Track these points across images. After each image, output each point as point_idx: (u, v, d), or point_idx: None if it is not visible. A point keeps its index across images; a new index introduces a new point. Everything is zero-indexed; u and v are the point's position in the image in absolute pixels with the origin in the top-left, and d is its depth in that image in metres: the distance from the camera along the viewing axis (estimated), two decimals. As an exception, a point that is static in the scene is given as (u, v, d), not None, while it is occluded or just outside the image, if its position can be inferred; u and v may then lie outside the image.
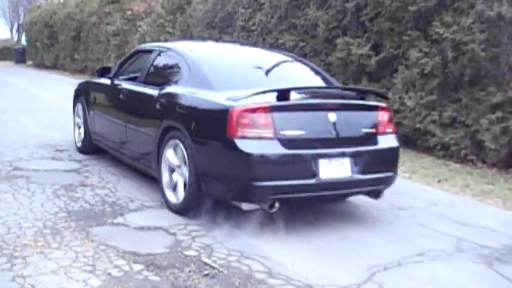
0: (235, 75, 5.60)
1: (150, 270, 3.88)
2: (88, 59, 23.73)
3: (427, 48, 8.66)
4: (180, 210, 5.17)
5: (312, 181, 4.75)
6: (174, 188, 5.31)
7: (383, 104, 5.64)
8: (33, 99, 14.92)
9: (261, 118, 4.68)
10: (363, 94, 5.64)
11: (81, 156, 7.43)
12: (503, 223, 5.47)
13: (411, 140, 9.14)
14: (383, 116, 5.35)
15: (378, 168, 5.17)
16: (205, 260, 4.10)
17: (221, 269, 3.95)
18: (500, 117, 7.65)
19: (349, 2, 10.07)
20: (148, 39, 17.10)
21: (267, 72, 5.83)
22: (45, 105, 12.67)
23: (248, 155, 4.59)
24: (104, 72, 7.43)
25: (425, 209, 5.83)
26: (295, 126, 4.80)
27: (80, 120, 7.94)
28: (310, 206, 5.57)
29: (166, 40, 15.83)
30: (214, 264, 4.02)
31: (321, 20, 10.84)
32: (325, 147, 4.89)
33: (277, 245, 4.49)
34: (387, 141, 5.34)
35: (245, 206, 4.82)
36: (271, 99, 4.81)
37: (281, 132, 4.70)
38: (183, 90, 5.47)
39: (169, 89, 5.68)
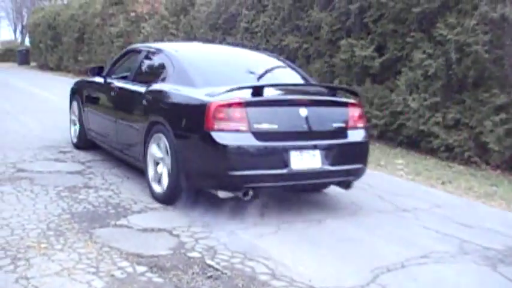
0: (215, 73, 5.93)
1: (154, 272, 3.88)
2: (92, 61, 23.73)
3: (431, 49, 8.66)
4: (164, 199, 5.52)
5: (284, 171, 5.08)
6: (159, 179, 5.63)
7: (353, 101, 5.90)
8: (36, 100, 14.96)
9: (236, 112, 5.02)
10: (334, 91, 6.04)
11: (84, 158, 7.43)
12: (507, 225, 5.47)
13: (415, 141, 9.14)
14: (353, 112, 5.67)
15: (348, 161, 5.49)
16: (208, 261, 4.10)
17: (224, 271, 3.94)
18: (504, 118, 7.65)
19: (353, 4, 10.08)
20: (152, 40, 17.12)
21: (246, 70, 6.18)
22: (49, 106, 12.69)
23: (224, 146, 4.94)
24: (97, 71, 7.89)
25: (429, 210, 5.81)
26: (268, 121, 5.12)
27: (75, 117, 8.30)
28: (314, 207, 5.57)
29: (170, 41, 15.84)
30: (217, 266, 4.02)
31: (324, 21, 10.85)
32: (296, 140, 5.22)
33: (280, 247, 4.48)
34: (357, 135, 5.65)
35: (221, 194, 5.14)
36: (247, 95, 5.14)
37: (255, 126, 5.03)
38: (167, 87, 5.84)
39: (155, 86, 6.04)
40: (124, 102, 6.70)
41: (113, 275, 3.77)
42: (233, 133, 5.00)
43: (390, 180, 7.12)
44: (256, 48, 12.89)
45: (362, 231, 5.00)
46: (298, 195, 6.09)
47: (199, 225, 4.89)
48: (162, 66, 6.32)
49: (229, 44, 12.57)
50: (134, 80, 6.69)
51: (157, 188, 5.63)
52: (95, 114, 7.56)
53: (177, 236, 4.62)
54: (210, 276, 3.84)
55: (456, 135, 8.30)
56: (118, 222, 4.89)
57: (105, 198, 5.60)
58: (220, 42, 14.20)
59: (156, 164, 5.71)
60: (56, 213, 5.04)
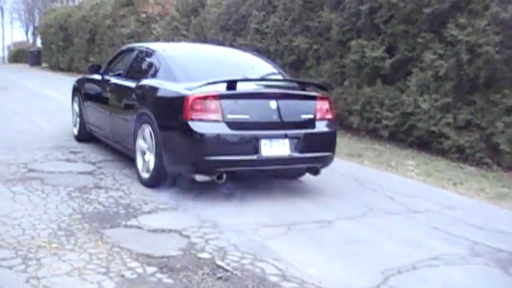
0: (197, 69, 6.44)
1: (164, 272, 3.88)
2: (103, 61, 23.71)
3: (442, 50, 8.63)
4: (150, 182, 6.10)
5: (254, 157, 5.64)
6: (146, 165, 6.18)
7: (321, 95, 6.40)
8: (47, 101, 15.03)
9: (211, 104, 5.59)
10: (303, 85, 6.52)
11: (95, 159, 7.46)
12: (519, 227, 5.43)
13: (426, 142, 9.11)
14: (322, 105, 6.21)
15: (315, 149, 6.03)
16: (218, 262, 4.10)
17: (234, 272, 3.94)
18: (515, 120, 7.60)
19: (363, 4, 10.07)
20: (163, 41, 17.15)
21: (226, 67, 6.80)
22: (60, 107, 12.71)
23: (200, 134, 5.50)
24: (95, 69, 8.58)
25: (440, 212, 5.79)
26: (240, 111, 5.69)
27: (77, 112, 9.01)
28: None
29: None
30: (227, 267, 4.01)
31: (334, 22, 10.83)
32: (266, 130, 5.77)
33: (290, 248, 4.48)
34: (325, 126, 6.19)
35: (198, 178, 5.68)
36: (222, 88, 5.68)
37: (228, 116, 5.60)
38: (153, 82, 6.48)
39: (144, 81, 6.66)
40: (117, 97, 7.30)
41: (123, 276, 3.78)
42: (208, 123, 5.56)
43: (401, 182, 7.10)
44: (266, 49, 12.93)
45: (372, 233, 4.99)
46: (308, 197, 6.08)
47: (209, 226, 4.90)
48: (150, 64, 6.98)
49: (235, 46, 12.57)
50: (126, 77, 7.31)
51: (145, 174, 6.20)
52: (93, 108, 8.25)
53: (187, 236, 4.62)
54: (220, 277, 3.84)
55: (467, 136, 8.26)
56: (128, 223, 4.90)
57: (115, 199, 5.62)
58: (231, 43, 14.23)
59: (144, 152, 6.27)
60: (67, 214, 5.06)
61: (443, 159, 8.59)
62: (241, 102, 5.76)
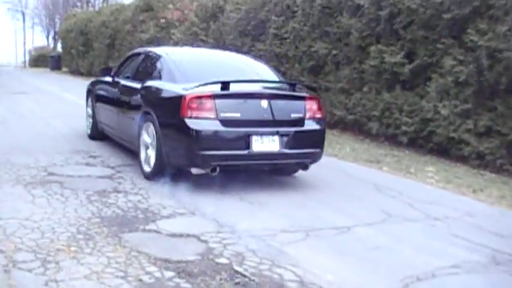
0: (196, 71, 6.88)
1: (182, 277, 3.88)
2: (122, 66, 23.92)
3: (462, 56, 8.56)
4: (151, 176, 6.56)
5: (245, 152, 6.10)
6: (148, 160, 6.66)
7: (310, 95, 6.85)
8: (67, 105, 15.15)
9: (206, 103, 6.06)
10: (294, 86, 6.84)
11: (114, 163, 7.49)
12: (541, 235, 5.36)
13: (445, 149, 9.04)
14: (311, 105, 6.63)
15: (304, 145, 6.45)
16: (236, 268, 4.09)
17: (252, 278, 3.93)
18: (537, 126, 7.52)
19: (383, 10, 10.03)
20: (181, 46, 17.19)
21: (225, 69, 7.26)
22: (79, 111, 12.76)
23: (196, 131, 5.97)
24: (107, 71, 9.25)
25: (460, 219, 5.73)
26: (233, 110, 6.14)
27: (90, 112, 9.60)
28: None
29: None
30: (245, 273, 4.00)
31: (354, 27, 10.81)
32: (257, 127, 6.20)
33: (308, 254, 4.46)
34: (313, 124, 6.61)
35: (194, 171, 6.19)
36: (216, 89, 6.13)
37: (221, 114, 6.06)
38: (155, 83, 7.00)
39: (148, 83, 7.16)
40: (125, 97, 7.81)
41: (141, 280, 3.78)
42: (203, 120, 6.02)
43: (420, 188, 7.05)
44: (284, 54, 12.93)
45: (391, 240, 4.95)
46: (326, 202, 6.06)
47: (227, 231, 4.89)
48: (154, 67, 7.51)
49: (253, 51, 12.58)
50: (134, 78, 7.82)
51: (147, 168, 6.68)
52: (104, 108, 8.81)
53: (206, 241, 4.62)
54: (238, 283, 3.83)
55: (488, 143, 8.18)
56: (147, 227, 4.91)
57: (134, 203, 5.63)
58: (250, 48, 14.25)
59: (146, 147, 6.74)
60: (86, 217, 5.08)
61: (463, 165, 8.51)
62: (234, 101, 6.24)
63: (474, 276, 4.22)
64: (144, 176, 6.68)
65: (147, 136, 6.69)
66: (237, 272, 4.02)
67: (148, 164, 6.64)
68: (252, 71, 7.39)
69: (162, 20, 21.29)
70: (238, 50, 14.03)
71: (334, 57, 11.56)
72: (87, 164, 7.37)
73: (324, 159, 6.96)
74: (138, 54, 8.48)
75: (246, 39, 14.70)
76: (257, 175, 7.10)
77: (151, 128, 6.55)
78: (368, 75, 10.61)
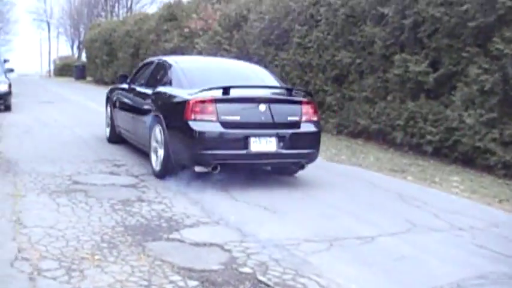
0: (202, 78, 7.44)
1: (205, 286, 3.88)
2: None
3: (487, 64, 8.48)
4: (160, 174, 7.15)
5: (243, 152, 6.64)
6: (158, 160, 7.21)
7: (306, 99, 7.34)
8: (91, 114, 15.27)
9: (208, 107, 6.62)
10: (291, 91, 7.38)
11: (138, 172, 7.54)
12: None
13: (470, 158, 8.94)
14: (307, 109, 7.14)
15: (300, 146, 6.97)
16: (260, 277, 4.07)
17: (276, 287, 3.91)
18: None
19: (407, 19, 9.98)
20: (205, 55, 17.27)
21: (229, 76, 7.80)
22: (103, 120, 12.91)
23: (198, 132, 6.54)
24: (123, 79, 9.88)
25: (486, 229, 5.66)
26: (233, 113, 6.68)
27: (109, 117, 10.30)
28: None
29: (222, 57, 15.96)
30: (269, 282, 3.99)
31: (377, 36, 10.77)
32: (255, 129, 6.74)
33: (332, 264, 4.43)
34: (309, 126, 7.13)
35: (197, 169, 6.70)
36: (218, 94, 6.70)
37: (222, 117, 6.62)
38: (164, 89, 7.63)
39: (158, 88, 7.80)
40: (138, 102, 8.44)
41: (164, 289, 3.79)
42: (205, 122, 6.59)
43: (445, 198, 6.97)
44: (308, 63, 12.92)
45: (416, 250, 4.90)
46: (350, 212, 6.03)
47: (251, 240, 4.88)
48: (164, 74, 8.09)
49: (276, 60, 12.60)
50: (146, 85, 8.48)
51: (156, 166, 7.26)
52: (120, 112, 9.48)
53: (229, 250, 4.61)
54: (262, 292, 3.82)
55: (514, 153, 8.08)
56: (170, 236, 4.92)
57: (158, 212, 5.65)
58: (273, 58, 14.26)
59: (156, 148, 7.29)
60: (110, 226, 5.11)
61: (489, 175, 8.41)
62: (234, 105, 6.79)
63: (501, 288, 4.16)
64: (154, 175, 7.22)
65: (156, 137, 7.25)
66: (260, 281, 4.00)
67: (158, 163, 7.19)
68: (255, 77, 7.96)
69: (186, 30, 21.40)
70: (262, 60, 14.10)
71: (358, 66, 11.53)
72: (112, 173, 7.42)
73: (348, 169, 6.93)
74: (151, 62, 9.10)
75: (270, 48, 14.73)
76: (280, 185, 7.10)
77: (160, 129, 7.13)
78: (392, 84, 10.56)
